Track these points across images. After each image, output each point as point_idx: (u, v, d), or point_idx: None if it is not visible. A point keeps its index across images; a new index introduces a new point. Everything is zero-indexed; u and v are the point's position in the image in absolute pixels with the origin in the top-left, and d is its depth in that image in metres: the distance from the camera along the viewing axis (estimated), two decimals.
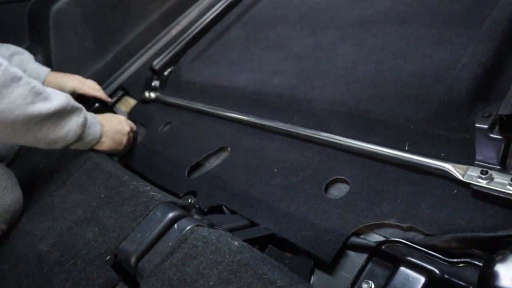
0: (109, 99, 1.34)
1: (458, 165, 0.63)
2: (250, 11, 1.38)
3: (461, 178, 0.61)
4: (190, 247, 0.58)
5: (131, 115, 1.34)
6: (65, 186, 0.90)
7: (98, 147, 0.98)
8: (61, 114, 0.82)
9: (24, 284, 0.71)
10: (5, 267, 0.77)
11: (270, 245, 0.71)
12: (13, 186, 0.87)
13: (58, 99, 0.82)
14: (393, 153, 0.70)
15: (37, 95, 0.77)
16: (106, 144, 0.99)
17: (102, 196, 0.81)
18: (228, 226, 0.69)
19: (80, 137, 0.89)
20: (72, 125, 0.85)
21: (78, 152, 0.97)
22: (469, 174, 0.61)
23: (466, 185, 0.61)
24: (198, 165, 0.97)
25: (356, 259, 0.64)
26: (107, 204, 0.78)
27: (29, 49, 1.40)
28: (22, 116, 0.74)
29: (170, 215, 0.66)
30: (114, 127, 1.01)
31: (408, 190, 0.66)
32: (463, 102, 0.68)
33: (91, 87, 1.26)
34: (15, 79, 0.73)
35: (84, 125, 0.89)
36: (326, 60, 0.96)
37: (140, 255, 0.63)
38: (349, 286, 0.60)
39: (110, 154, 1.02)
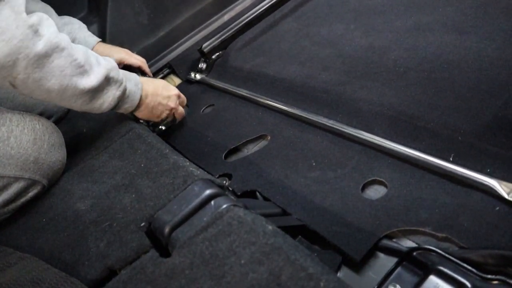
0: (150, 74, 1.34)
1: (504, 183, 0.61)
2: (304, 5, 1.38)
3: (505, 196, 0.60)
4: (225, 225, 0.60)
5: None
6: (107, 152, 0.93)
7: (134, 113, 0.98)
8: (98, 89, 0.82)
9: (60, 238, 0.74)
10: (44, 220, 0.80)
11: (300, 236, 0.72)
12: (60, 145, 0.90)
13: (98, 72, 0.81)
14: (436, 162, 0.69)
15: (77, 67, 0.77)
16: (142, 113, 0.98)
17: (142, 165, 0.83)
18: (261, 212, 0.70)
19: (115, 107, 0.89)
20: (107, 97, 0.85)
21: (122, 121, 1.00)
22: None
23: (510, 203, 0.59)
24: (236, 150, 0.98)
25: (385, 261, 0.64)
26: (146, 173, 0.80)
27: (86, 18, 1.45)
28: (58, 85, 0.75)
29: (208, 191, 0.67)
30: (158, 100, 0.99)
31: (447, 200, 0.65)
32: None
33: (137, 58, 1.28)
34: (57, 50, 0.73)
35: (121, 97, 0.88)
36: (377, 62, 0.95)
37: (174, 226, 0.64)
38: (376, 287, 0.60)
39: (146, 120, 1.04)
